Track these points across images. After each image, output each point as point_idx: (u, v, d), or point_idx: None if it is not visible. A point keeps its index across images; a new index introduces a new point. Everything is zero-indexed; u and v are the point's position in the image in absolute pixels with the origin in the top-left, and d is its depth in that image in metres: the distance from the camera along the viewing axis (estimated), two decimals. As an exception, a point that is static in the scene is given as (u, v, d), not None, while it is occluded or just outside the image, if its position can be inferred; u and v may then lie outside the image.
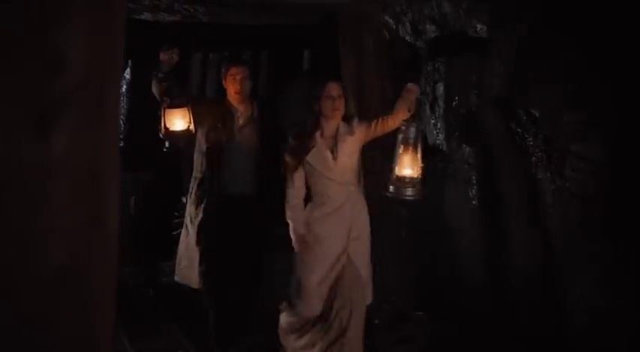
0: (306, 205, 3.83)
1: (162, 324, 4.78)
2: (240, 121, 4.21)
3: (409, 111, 3.59)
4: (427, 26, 4.31)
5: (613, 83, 3.12)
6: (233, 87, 4.17)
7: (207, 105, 4.39)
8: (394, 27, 4.52)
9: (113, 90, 1.40)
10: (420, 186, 3.49)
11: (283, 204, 3.81)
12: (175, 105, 4.04)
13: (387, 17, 4.48)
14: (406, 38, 4.48)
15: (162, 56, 4.04)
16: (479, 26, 3.94)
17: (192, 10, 4.76)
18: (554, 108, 3.35)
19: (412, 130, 3.49)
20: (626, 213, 3.15)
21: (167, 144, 4.12)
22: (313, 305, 3.75)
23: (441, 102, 4.26)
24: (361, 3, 4.40)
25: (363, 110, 3.98)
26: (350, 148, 3.73)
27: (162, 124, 4.06)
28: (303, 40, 6.43)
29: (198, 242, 4.23)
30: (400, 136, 3.52)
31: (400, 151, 3.51)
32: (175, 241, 4.63)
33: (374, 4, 4.44)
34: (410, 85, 3.66)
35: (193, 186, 4.30)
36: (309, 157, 3.73)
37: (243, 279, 4.28)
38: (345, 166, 3.72)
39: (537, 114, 3.45)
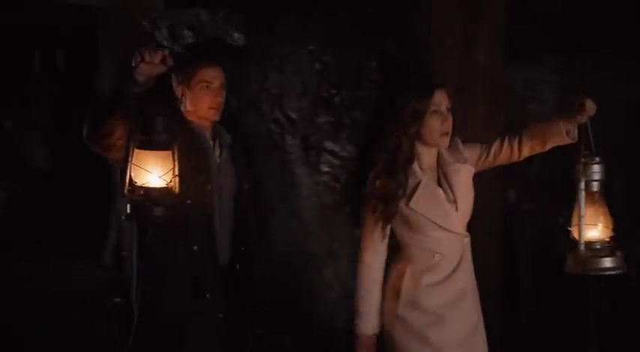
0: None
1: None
2: (216, 155, 2.81)
3: (568, 135, 2.45)
4: (184, 32, 4.53)
5: (360, 88, 3.65)
6: (207, 99, 2.72)
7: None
8: (151, 31, 4.67)
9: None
10: (619, 250, 2.46)
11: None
12: (154, 144, 2.29)
13: (144, 22, 4.61)
14: (163, 43, 4.65)
15: (141, 59, 2.29)
16: (236, 35, 4.27)
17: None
18: (310, 111, 3.80)
19: (596, 168, 2.39)
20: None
21: (129, 209, 2.29)
22: None
23: (200, 105, 4.50)
24: (120, 6, 4.48)
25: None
26: (466, 182, 2.64)
27: (127, 176, 2.29)
28: (57, 40, 6.26)
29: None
30: (582, 180, 2.39)
31: (582, 203, 2.41)
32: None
33: (132, 8, 4.54)
34: (587, 100, 2.40)
35: (153, 264, 2.69)
36: (415, 202, 2.56)
37: None
38: (465, 209, 2.63)
39: (295, 117, 3.87)
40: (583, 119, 2.40)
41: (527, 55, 3.36)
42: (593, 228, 2.41)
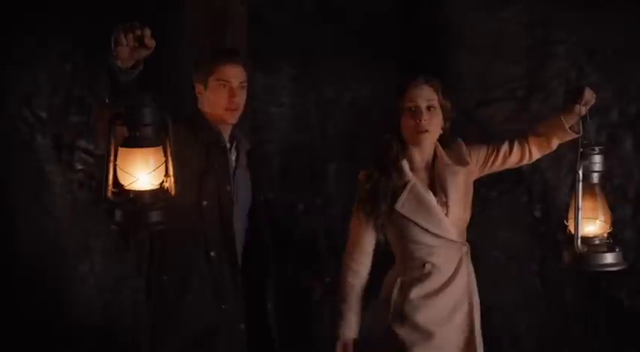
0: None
1: None
2: (232, 158, 2.60)
3: (574, 130, 2.32)
4: None
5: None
6: (223, 99, 2.49)
7: (180, 130, 2.28)
8: None
9: None
10: (618, 246, 2.25)
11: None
12: (142, 140, 1.95)
13: None
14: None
15: (117, 42, 1.94)
16: None
17: None
18: (62, 110, 3.86)
19: (598, 159, 2.21)
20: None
21: (118, 216, 1.96)
22: None
23: None
24: None
25: None
26: (463, 186, 2.48)
27: (110, 177, 1.96)
28: None
29: None
30: (580, 170, 2.19)
31: (579, 195, 2.19)
32: None
33: None
34: (585, 88, 2.28)
35: (170, 273, 2.49)
36: (401, 204, 2.42)
37: None
38: (459, 214, 2.48)
39: (45, 116, 3.89)
40: (584, 110, 2.28)
41: (267, 63, 3.77)
42: (592, 223, 2.23)
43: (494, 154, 2.49)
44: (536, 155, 2.47)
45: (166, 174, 1.99)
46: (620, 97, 3.60)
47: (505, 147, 2.48)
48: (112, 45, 1.95)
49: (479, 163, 2.50)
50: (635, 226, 3.60)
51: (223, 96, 2.49)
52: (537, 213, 3.62)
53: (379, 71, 3.78)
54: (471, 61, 3.47)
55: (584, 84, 2.38)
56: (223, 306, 2.46)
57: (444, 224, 2.43)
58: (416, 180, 2.45)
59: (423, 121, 2.37)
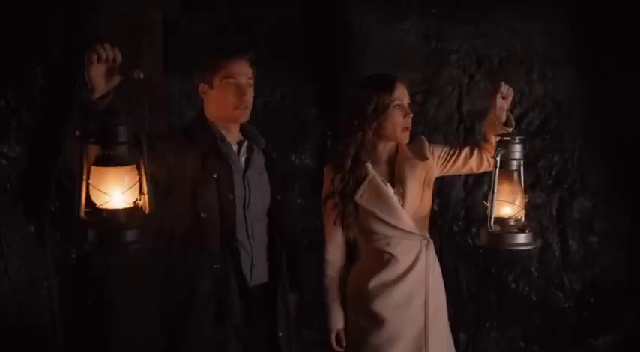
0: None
1: None
2: (242, 161, 2.48)
3: (506, 124, 2.43)
4: None
5: (26, 92, 3.84)
6: (232, 98, 2.37)
7: (173, 143, 2.37)
8: None
9: None
10: (531, 228, 2.34)
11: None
12: (116, 159, 1.89)
13: None
14: None
15: (91, 62, 1.93)
16: None
17: None
18: None
19: (517, 148, 2.29)
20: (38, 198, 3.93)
21: (92, 236, 1.88)
22: None
23: None
24: None
25: None
26: (421, 179, 2.55)
27: (83, 196, 1.89)
28: None
29: None
30: (498, 157, 2.26)
31: (497, 179, 2.27)
32: None
33: None
34: (500, 84, 2.44)
35: (174, 287, 2.41)
36: (360, 195, 2.51)
37: None
38: (416, 207, 2.55)
39: None
40: (500, 101, 2.41)
41: (181, 69, 3.90)
42: (508, 205, 2.32)
43: (455, 154, 2.60)
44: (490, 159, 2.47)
45: (141, 193, 1.94)
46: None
47: (466, 150, 2.59)
48: (85, 65, 1.92)
49: (440, 161, 2.60)
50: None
51: (231, 94, 2.39)
52: (435, 207, 3.96)
53: (289, 77, 4.01)
54: (374, 68, 3.74)
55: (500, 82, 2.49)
56: (229, 320, 2.37)
57: (400, 215, 2.52)
58: (375, 173, 2.55)
59: (410, 118, 2.54)
